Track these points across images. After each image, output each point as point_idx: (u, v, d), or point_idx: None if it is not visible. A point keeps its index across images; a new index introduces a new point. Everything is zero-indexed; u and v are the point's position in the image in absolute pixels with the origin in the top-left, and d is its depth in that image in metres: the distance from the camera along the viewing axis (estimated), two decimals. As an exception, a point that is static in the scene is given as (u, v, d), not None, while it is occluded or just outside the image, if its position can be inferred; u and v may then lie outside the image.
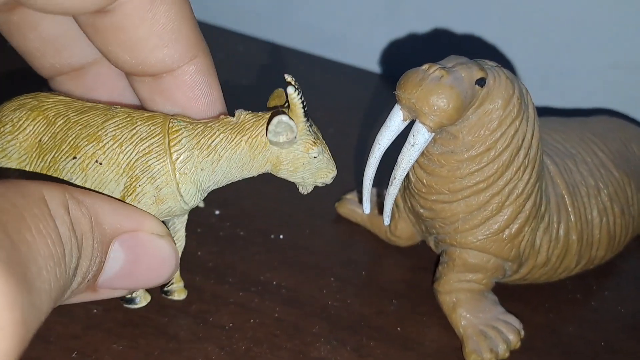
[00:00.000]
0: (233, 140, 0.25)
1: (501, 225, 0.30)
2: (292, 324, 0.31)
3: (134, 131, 0.25)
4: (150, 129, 0.25)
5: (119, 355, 0.28)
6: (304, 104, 0.25)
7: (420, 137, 0.28)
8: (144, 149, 0.24)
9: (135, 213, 0.24)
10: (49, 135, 0.25)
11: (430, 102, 0.27)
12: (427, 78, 0.27)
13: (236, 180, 0.26)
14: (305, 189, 0.27)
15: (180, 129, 0.25)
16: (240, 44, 0.57)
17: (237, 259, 0.34)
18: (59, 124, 0.25)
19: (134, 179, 0.24)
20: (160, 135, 0.25)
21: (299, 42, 0.57)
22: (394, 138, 0.29)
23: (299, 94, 0.24)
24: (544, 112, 0.38)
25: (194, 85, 0.26)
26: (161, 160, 0.24)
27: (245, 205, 0.38)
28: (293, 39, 0.57)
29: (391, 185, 0.29)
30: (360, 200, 0.35)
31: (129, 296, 0.28)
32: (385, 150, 0.29)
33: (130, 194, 0.24)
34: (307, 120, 0.25)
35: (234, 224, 0.37)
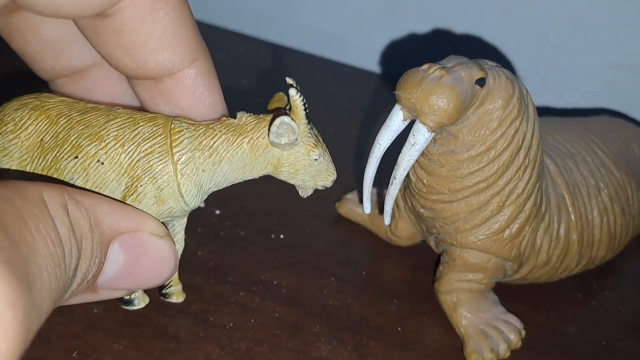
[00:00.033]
0: (235, 141, 0.25)
1: (502, 225, 0.30)
2: (292, 323, 0.31)
3: (136, 131, 0.25)
4: (152, 129, 0.25)
5: (119, 355, 0.28)
6: (306, 106, 0.25)
7: (421, 137, 0.28)
8: (146, 149, 0.25)
9: (135, 213, 0.24)
10: (51, 134, 0.25)
11: (430, 102, 0.27)
12: (427, 78, 0.27)
13: (237, 182, 0.26)
14: (305, 191, 0.27)
15: (182, 130, 0.25)
16: (240, 44, 0.57)
17: (238, 258, 0.34)
18: (61, 123, 0.25)
19: (135, 179, 0.24)
20: (162, 136, 0.25)
21: (299, 42, 0.57)
22: (394, 138, 0.29)
23: (300, 96, 0.24)
24: (544, 112, 0.38)
25: (195, 88, 0.26)
26: (163, 161, 0.25)
27: (245, 205, 0.38)
28: (293, 39, 0.57)
29: (391, 185, 0.29)
30: (361, 200, 0.35)
31: (128, 297, 0.28)
32: (386, 150, 0.29)
33: (132, 194, 0.25)
34: (309, 122, 0.25)
35: (234, 223, 0.37)
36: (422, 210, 0.31)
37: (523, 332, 0.31)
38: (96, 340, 0.29)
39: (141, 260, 0.23)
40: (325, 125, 0.45)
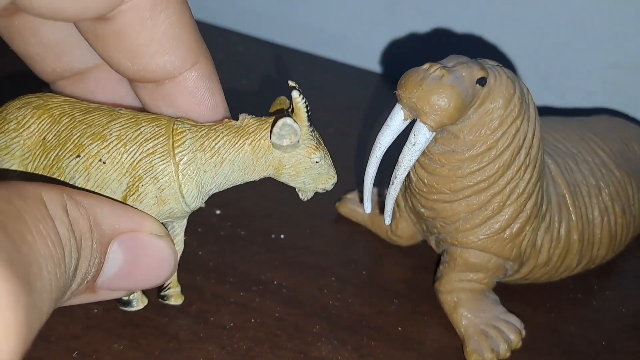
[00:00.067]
0: (236, 143, 0.25)
1: (502, 225, 0.30)
2: (292, 323, 0.31)
3: (139, 132, 0.25)
4: (154, 130, 0.25)
5: (119, 355, 0.28)
6: (308, 108, 0.25)
7: (421, 136, 0.28)
8: (148, 149, 0.25)
9: (134, 214, 0.24)
10: (54, 133, 0.25)
11: (431, 102, 0.27)
12: (427, 77, 0.27)
13: (238, 183, 0.26)
14: (305, 194, 0.27)
15: (185, 130, 0.25)
16: (240, 44, 0.57)
17: (238, 258, 0.34)
18: (63, 122, 0.25)
19: (136, 179, 0.24)
20: (165, 137, 0.25)
21: (299, 42, 0.57)
22: (394, 137, 0.29)
23: (303, 98, 0.25)
24: (544, 111, 0.38)
25: (196, 91, 0.26)
26: (165, 161, 0.25)
27: (245, 205, 0.38)
28: (293, 39, 0.57)
29: (392, 184, 0.29)
30: (361, 200, 0.35)
31: (126, 298, 0.28)
32: (386, 150, 0.29)
33: (133, 194, 0.25)
34: (311, 124, 0.25)
35: (234, 223, 0.37)
36: (422, 210, 0.31)
37: (523, 332, 0.31)
38: (96, 340, 0.29)
39: (140, 260, 0.23)
40: (325, 125, 0.45)
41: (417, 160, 0.29)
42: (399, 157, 0.29)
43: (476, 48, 0.50)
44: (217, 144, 0.25)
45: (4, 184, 0.18)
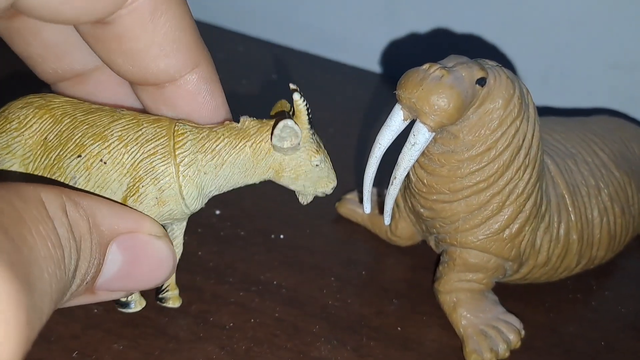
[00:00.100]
0: (237, 145, 0.25)
1: (501, 225, 0.30)
2: (292, 323, 0.31)
3: (140, 132, 0.25)
4: (156, 131, 0.25)
5: (119, 355, 0.28)
6: (309, 111, 0.25)
7: (421, 136, 0.28)
8: (149, 150, 0.25)
9: (133, 214, 0.24)
10: (55, 133, 0.25)
11: (430, 102, 0.27)
12: (427, 77, 0.27)
13: (238, 186, 0.26)
14: (305, 198, 0.27)
15: (186, 132, 0.25)
16: (240, 44, 0.57)
17: (238, 258, 0.34)
18: (65, 122, 0.25)
19: (137, 180, 0.25)
20: (166, 138, 0.25)
21: (299, 42, 0.57)
22: (394, 138, 0.29)
23: (304, 101, 0.25)
24: (544, 111, 0.38)
25: (197, 94, 0.26)
26: (165, 162, 0.25)
27: (245, 205, 0.38)
28: (293, 39, 0.57)
29: (391, 185, 0.29)
30: (361, 200, 0.35)
31: (124, 300, 0.28)
32: (386, 150, 0.29)
33: (133, 195, 0.25)
34: (311, 127, 0.25)
35: (234, 223, 0.37)
36: (422, 210, 0.31)
37: (522, 332, 0.31)
38: (96, 341, 0.29)
39: (139, 261, 0.23)
40: (325, 125, 0.45)
41: (417, 161, 0.29)
42: (398, 157, 0.29)
43: (476, 48, 0.50)
44: (218, 145, 0.25)
45: (3, 185, 0.18)
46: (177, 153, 0.25)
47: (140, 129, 0.25)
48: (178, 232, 0.28)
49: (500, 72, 0.28)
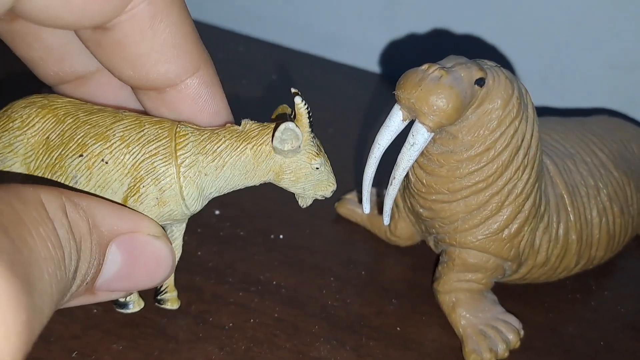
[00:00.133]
0: (238, 147, 0.25)
1: (500, 225, 0.30)
2: (291, 323, 0.31)
3: (142, 133, 0.25)
4: (158, 132, 0.25)
5: (118, 355, 0.28)
6: (310, 114, 0.25)
7: (420, 137, 0.28)
8: (151, 150, 0.25)
9: (132, 215, 0.24)
10: (57, 132, 0.25)
11: (429, 102, 0.27)
12: (426, 78, 0.27)
13: (238, 188, 0.27)
14: (305, 201, 0.28)
15: (188, 133, 0.25)
16: (240, 45, 0.57)
17: (237, 258, 0.34)
18: (68, 122, 0.25)
19: (138, 180, 0.25)
20: (168, 139, 0.25)
21: (299, 42, 0.57)
22: (393, 138, 0.29)
23: (305, 104, 0.25)
24: (543, 112, 0.38)
25: (198, 98, 0.26)
26: (167, 163, 0.25)
27: (245, 205, 0.38)
28: (293, 39, 0.57)
29: (391, 185, 0.29)
30: (360, 200, 0.35)
31: (123, 300, 0.28)
32: (385, 150, 0.29)
33: (134, 195, 0.25)
34: (312, 131, 0.26)
35: (234, 224, 0.37)
36: (421, 210, 0.31)
37: (522, 332, 0.31)
38: (95, 341, 0.29)
39: (139, 260, 0.23)
40: (325, 125, 0.45)
41: (416, 161, 0.29)
42: (397, 157, 0.29)
43: (475, 48, 0.50)
44: (219, 147, 0.25)
45: (3, 187, 0.18)
46: (178, 154, 0.25)
47: (142, 130, 0.25)
48: (177, 233, 0.28)
49: (499, 73, 0.28)
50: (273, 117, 0.27)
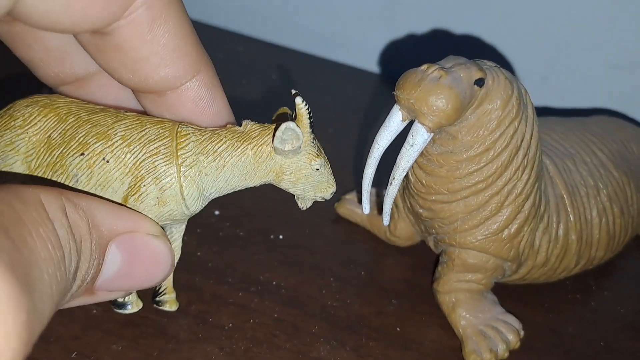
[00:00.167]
0: (239, 147, 0.25)
1: (500, 226, 0.30)
2: (291, 324, 0.31)
3: (143, 132, 0.25)
4: (159, 131, 0.25)
5: (118, 355, 0.28)
6: (311, 115, 0.25)
7: (419, 137, 0.28)
8: (152, 150, 0.25)
9: (131, 214, 0.24)
10: (59, 131, 0.25)
11: (429, 103, 0.27)
12: (426, 78, 0.27)
13: (238, 189, 0.27)
14: (304, 202, 0.28)
15: (189, 133, 0.25)
16: (240, 45, 0.57)
17: (237, 259, 0.34)
18: (69, 121, 0.25)
19: (138, 179, 0.25)
20: (169, 138, 0.25)
21: (299, 42, 0.57)
22: (393, 138, 0.29)
23: (306, 105, 0.25)
24: (543, 112, 0.38)
25: (198, 100, 0.26)
26: (167, 162, 0.25)
27: (245, 205, 0.38)
28: (293, 39, 0.57)
29: (390, 185, 0.29)
30: (360, 201, 0.35)
31: (121, 301, 0.28)
32: (385, 151, 0.29)
33: (134, 194, 0.25)
34: (312, 132, 0.26)
35: (233, 224, 0.37)
36: (420, 210, 0.31)
37: (522, 333, 0.31)
38: (95, 341, 0.29)
39: (138, 260, 0.23)
40: (325, 125, 0.45)
41: (416, 161, 0.29)
42: (397, 157, 0.29)
43: (474, 49, 0.50)
44: (219, 147, 0.25)
45: (3, 187, 0.18)
46: (179, 154, 0.25)
47: (144, 129, 0.25)
48: (177, 235, 0.28)
49: (499, 73, 0.28)
50: (273, 118, 0.27)
